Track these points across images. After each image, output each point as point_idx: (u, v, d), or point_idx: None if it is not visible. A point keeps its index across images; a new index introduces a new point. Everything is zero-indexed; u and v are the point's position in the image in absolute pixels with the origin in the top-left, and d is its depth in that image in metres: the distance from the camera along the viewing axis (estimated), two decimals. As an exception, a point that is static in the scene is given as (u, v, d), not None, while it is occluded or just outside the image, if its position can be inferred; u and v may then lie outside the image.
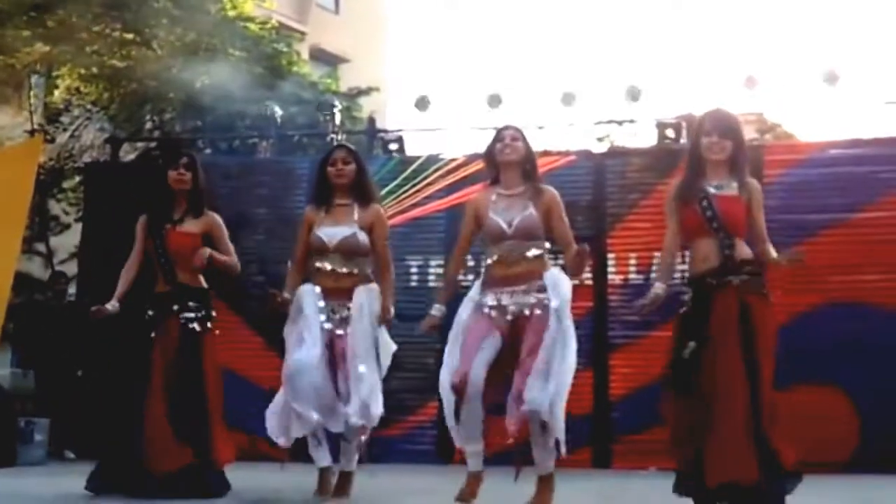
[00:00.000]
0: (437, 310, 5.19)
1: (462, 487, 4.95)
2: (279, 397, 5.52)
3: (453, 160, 9.60)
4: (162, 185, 5.88)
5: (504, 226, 4.99)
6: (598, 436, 8.56)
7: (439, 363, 9.12)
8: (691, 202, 4.75)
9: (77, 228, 11.75)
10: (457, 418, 4.87)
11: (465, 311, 5.04)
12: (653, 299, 4.75)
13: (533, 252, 4.99)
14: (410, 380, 9.11)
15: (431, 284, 9.45)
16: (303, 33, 21.78)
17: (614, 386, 8.74)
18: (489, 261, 5.07)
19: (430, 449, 9.05)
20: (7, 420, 8.49)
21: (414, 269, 9.55)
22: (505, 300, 4.95)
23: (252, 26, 14.87)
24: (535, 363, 4.78)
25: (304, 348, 5.35)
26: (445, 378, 4.93)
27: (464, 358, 4.86)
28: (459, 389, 4.80)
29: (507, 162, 5.11)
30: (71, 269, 11.60)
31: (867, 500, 6.05)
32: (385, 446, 8.23)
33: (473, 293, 5.07)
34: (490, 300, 4.97)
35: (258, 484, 6.43)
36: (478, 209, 5.13)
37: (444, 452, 8.91)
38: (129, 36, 13.33)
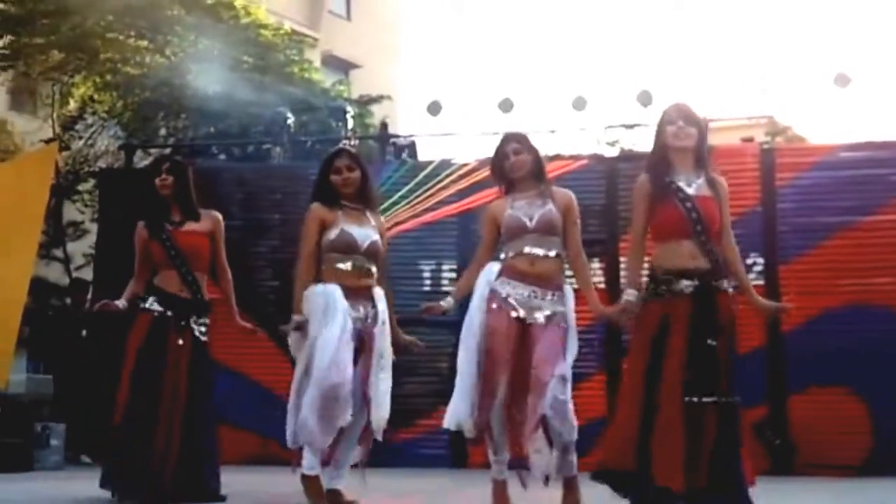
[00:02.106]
0: (447, 302, 5.14)
1: (497, 500, 4.96)
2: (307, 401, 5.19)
3: (465, 165, 9.61)
4: (153, 194, 5.80)
5: (525, 220, 5.00)
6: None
7: (452, 367, 9.23)
8: (669, 199, 4.67)
9: (94, 233, 11.81)
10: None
11: (481, 305, 4.97)
12: (624, 308, 4.68)
13: (554, 251, 5.00)
14: (423, 384, 9.14)
15: (444, 288, 9.45)
16: (315, 39, 21.86)
17: (627, 390, 8.73)
18: (510, 254, 5.00)
19: (443, 453, 9.05)
20: (23, 425, 8.53)
21: (426, 274, 9.58)
22: (524, 298, 4.93)
23: (265, 33, 14.94)
24: (555, 377, 4.77)
25: (339, 362, 5.15)
26: (468, 385, 4.95)
27: (494, 374, 4.85)
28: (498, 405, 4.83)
29: (518, 178, 5.14)
30: (87, 274, 11.66)
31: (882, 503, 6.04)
32: (398, 450, 8.25)
33: (489, 281, 4.99)
34: (509, 292, 4.93)
35: (270, 486, 6.45)
36: (495, 213, 5.10)
37: (457, 457, 8.93)
38: (143, 43, 13.43)
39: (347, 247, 5.35)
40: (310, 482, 5.21)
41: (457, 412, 4.97)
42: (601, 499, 4.83)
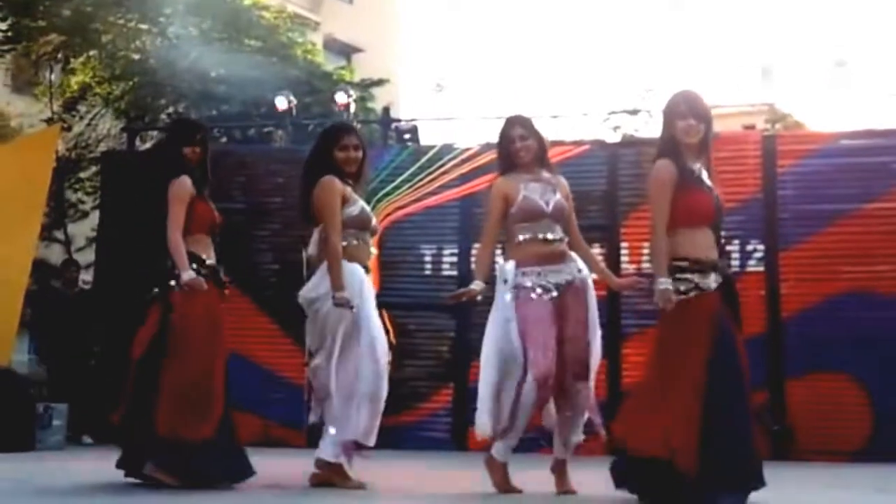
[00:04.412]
0: (477, 284, 5.04)
1: (497, 480, 5.03)
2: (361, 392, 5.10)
3: (467, 149, 9.63)
4: (177, 159, 5.49)
5: (542, 204, 5.05)
6: (612, 423, 8.58)
7: (453, 351, 9.31)
8: (696, 186, 4.62)
9: (95, 216, 11.83)
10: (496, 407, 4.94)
11: (508, 301, 4.97)
12: (667, 298, 4.48)
13: (563, 237, 5.11)
14: (425, 367, 9.20)
15: (445, 273, 9.50)
16: (317, 23, 21.83)
17: (627, 374, 8.77)
18: (525, 237, 5.04)
19: (444, 436, 9.11)
20: (26, 405, 8.56)
21: (428, 258, 9.61)
22: (549, 277, 4.99)
23: (267, 15, 14.92)
24: (584, 346, 4.98)
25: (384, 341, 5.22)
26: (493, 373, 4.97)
27: (543, 358, 4.85)
28: (543, 389, 4.86)
29: (525, 163, 5.18)
30: (88, 256, 11.69)
31: (881, 489, 6.07)
32: (399, 433, 8.30)
33: (511, 278, 4.98)
34: (533, 281, 4.97)
35: (272, 468, 6.48)
36: (506, 191, 5.10)
37: (458, 439, 8.99)
38: (144, 26, 13.41)
39: (364, 223, 5.33)
40: (337, 468, 5.19)
41: (482, 423, 4.98)
42: (589, 482, 4.92)
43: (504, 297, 4.98)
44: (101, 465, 5.67)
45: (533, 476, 5.11)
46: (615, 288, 5.26)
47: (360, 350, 5.11)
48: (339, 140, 5.39)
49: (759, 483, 4.42)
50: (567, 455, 5.06)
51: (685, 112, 4.67)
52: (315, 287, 5.20)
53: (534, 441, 5.32)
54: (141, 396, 5.23)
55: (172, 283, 5.33)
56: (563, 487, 5.01)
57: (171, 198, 5.39)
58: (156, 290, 5.43)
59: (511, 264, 5.01)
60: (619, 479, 4.60)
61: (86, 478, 5.80)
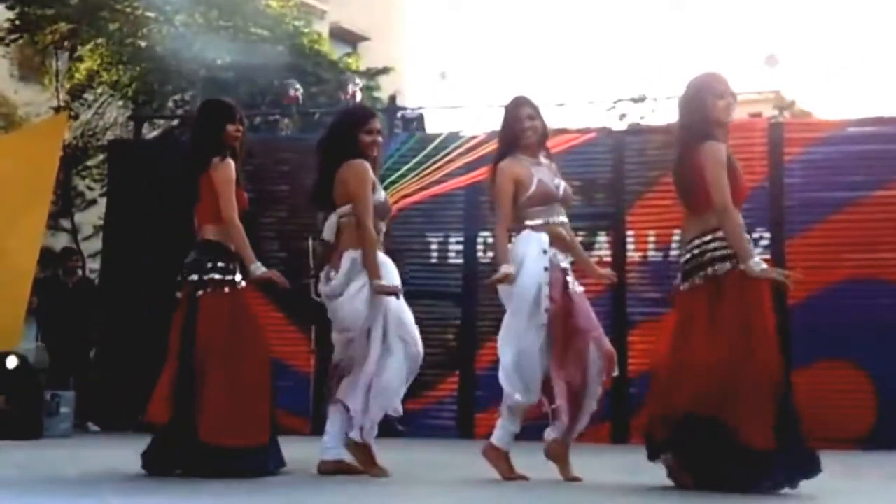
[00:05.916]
0: (508, 267, 4.93)
1: (502, 469, 5.05)
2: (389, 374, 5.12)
3: (473, 137, 9.63)
4: (219, 138, 5.27)
5: (554, 188, 5.06)
6: (617, 411, 8.60)
7: (459, 339, 9.32)
8: (738, 170, 4.59)
9: (103, 204, 11.85)
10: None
11: (542, 274, 4.92)
12: (779, 272, 4.56)
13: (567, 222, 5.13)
14: (431, 355, 9.16)
15: (451, 261, 9.51)
16: (323, 11, 21.82)
17: (632, 362, 8.78)
18: (537, 222, 5.00)
19: (449, 424, 9.14)
20: (33, 393, 8.60)
21: (434, 246, 9.62)
22: (567, 266, 5.04)
23: (274, 4, 14.92)
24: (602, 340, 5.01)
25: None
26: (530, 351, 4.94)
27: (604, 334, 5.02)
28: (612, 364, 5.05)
29: (530, 144, 5.16)
30: (96, 244, 11.71)
31: (890, 476, 6.08)
32: (405, 420, 8.30)
33: (548, 248, 4.95)
34: (562, 261, 5.01)
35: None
36: (516, 173, 5.05)
37: (463, 427, 9.01)
38: (151, 14, 13.43)
39: (386, 211, 5.32)
40: (364, 449, 5.18)
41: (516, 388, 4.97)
42: (594, 470, 4.93)
43: (541, 264, 4.91)
44: (109, 452, 5.70)
45: (537, 464, 5.11)
46: (595, 277, 5.26)
47: (392, 334, 5.11)
48: (365, 123, 5.30)
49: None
50: (569, 441, 5.05)
51: (723, 91, 4.61)
52: (347, 273, 5.08)
53: (536, 429, 5.32)
54: (184, 400, 5.04)
55: (204, 278, 5.15)
56: (568, 475, 5.01)
57: (220, 181, 5.17)
58: (185, 282, 5.20)
59: (545, 235, 4.97)
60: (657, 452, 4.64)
61: (94, 466, 5.83)
